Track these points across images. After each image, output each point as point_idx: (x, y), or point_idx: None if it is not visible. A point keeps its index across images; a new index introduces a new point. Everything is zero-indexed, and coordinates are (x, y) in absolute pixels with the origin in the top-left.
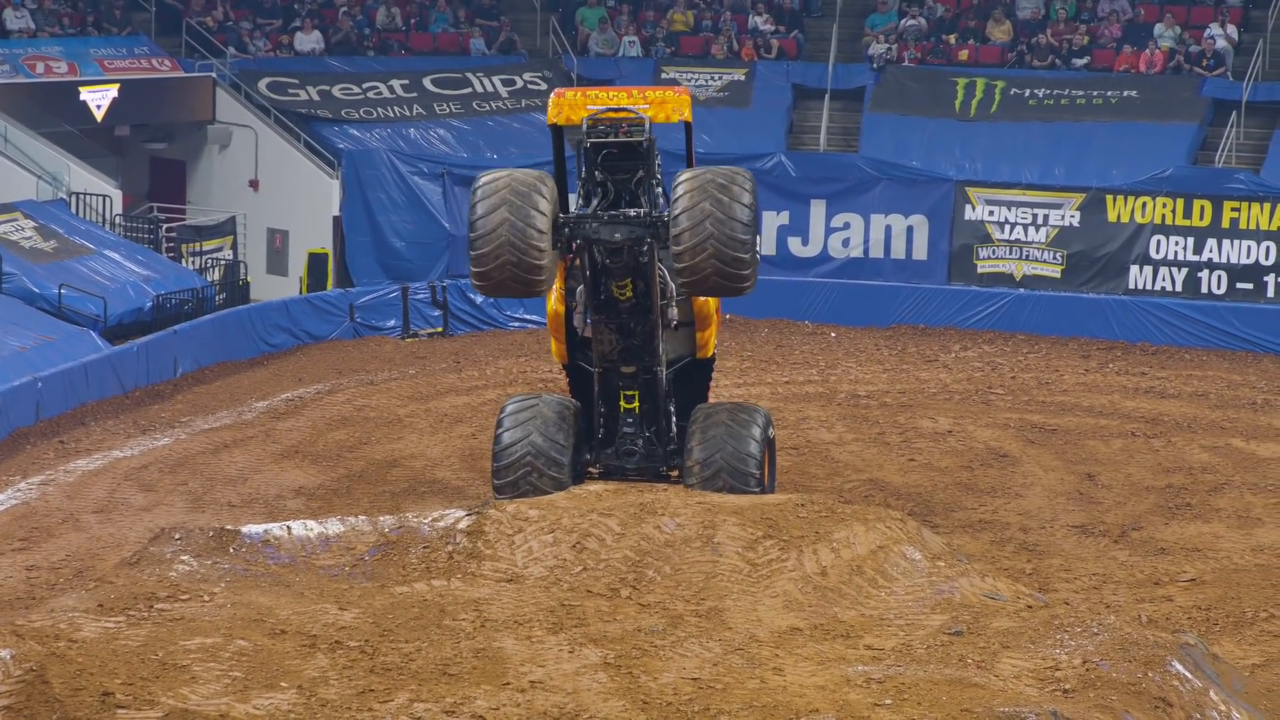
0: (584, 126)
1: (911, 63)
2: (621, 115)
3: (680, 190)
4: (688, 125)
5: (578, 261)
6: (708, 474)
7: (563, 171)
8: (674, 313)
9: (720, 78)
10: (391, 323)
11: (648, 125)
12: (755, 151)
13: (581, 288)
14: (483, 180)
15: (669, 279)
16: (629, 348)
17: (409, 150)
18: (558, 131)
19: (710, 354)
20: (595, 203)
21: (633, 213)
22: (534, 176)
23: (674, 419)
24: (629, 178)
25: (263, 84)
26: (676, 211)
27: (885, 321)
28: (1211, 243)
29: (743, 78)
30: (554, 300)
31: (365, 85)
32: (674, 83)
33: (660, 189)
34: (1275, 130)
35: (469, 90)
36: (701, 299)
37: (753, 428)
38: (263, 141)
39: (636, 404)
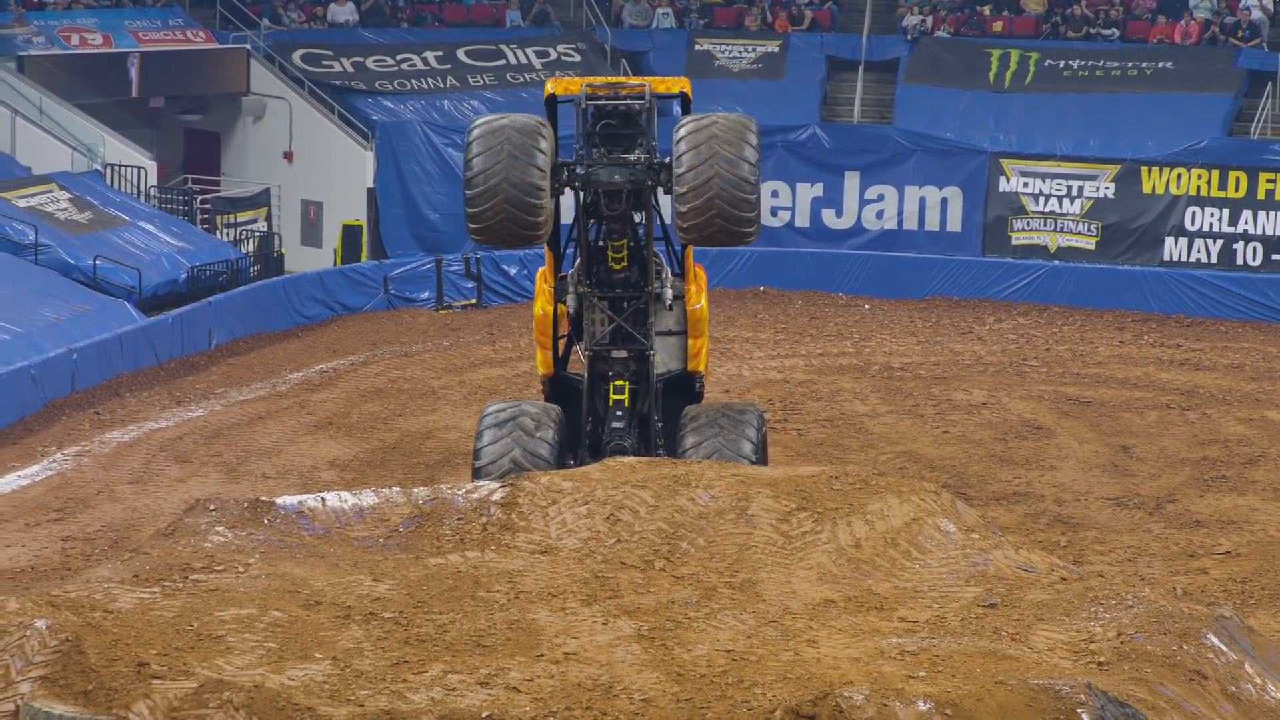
0: (583, 92)
1: (946, 34)
2: (619, 81)
3: (683, 134)
4: (686, 96)
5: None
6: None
7: (555, 144)
8: (669, 294)
9: (754, 49)
10: (425, 294)
11: (648, 92)
12: (789, 123)
13: (569, 276)
14: (479, 125)
15: (664, 262)
16: (620, 329)
17: (443, 122)
18: (552, 104)
19: (702, 368)
20: (593, 144)
21: (631, 157)
22: (533, 121)
23: (661, 426)
24: (626, 150)
25: (297, 55)
26: (679, 155)
27: (919, 294)
28: (1247, 214)
29: (777, 49)
30: (541, 302)
31: (399, 57)
32: (707, 56)
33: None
34: None
35: (503, 62)
36: (694, 306)
37: (746, 427)
38: (297, 113)
39: (626, 395)
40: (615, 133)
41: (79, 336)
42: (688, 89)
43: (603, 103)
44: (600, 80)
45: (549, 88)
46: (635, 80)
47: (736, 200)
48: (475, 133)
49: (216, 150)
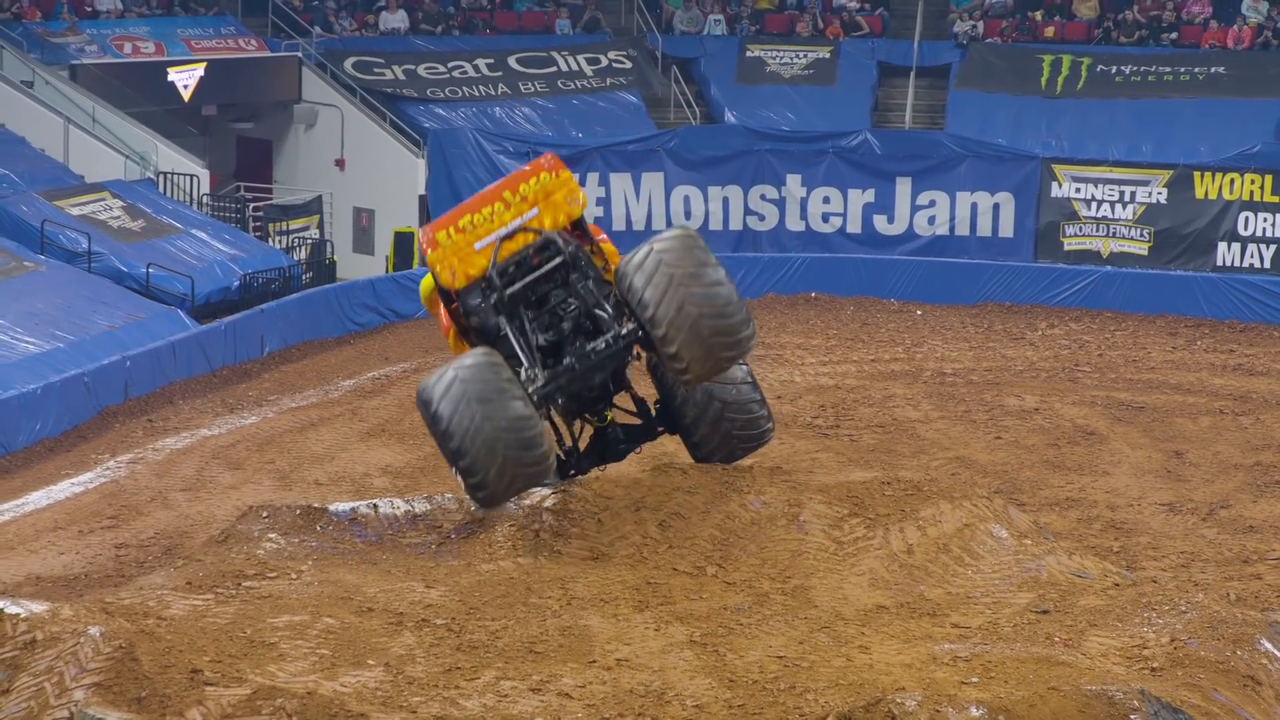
0: (493, 277)
1: (997, 39)
2: (524, 240)
3: (631, 278)
4: (581, 220)
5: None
6: (712, 440)
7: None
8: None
9: (805, 55)
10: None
11: (561, 243)
12: (840, 129)
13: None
14: (427, 391)
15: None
16: (597, 395)
17: (494, 129)
18: (448, 294)
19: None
20: (535, 339)
21: (602, 345)
22: (482, 364)
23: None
24: (553, 285)
25: (348, 63)
26: (638, 300)
27: (971, 299)
28: None
29: (828, 55)
30: (453, 337)
31: (450, 64)
32: (758, 62)
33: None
34: None
35: (554, 69)
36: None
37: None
38: (348, 121)
39: (611, 415)
40: (542, 293)
41: (132, 344)
42: (580, 196)
43: (521, 286)
44: (483, 229)
45: (444, 279)
46: (521, 211)
47: (721, 310)
48: (432, 403)
49: (268, 158)
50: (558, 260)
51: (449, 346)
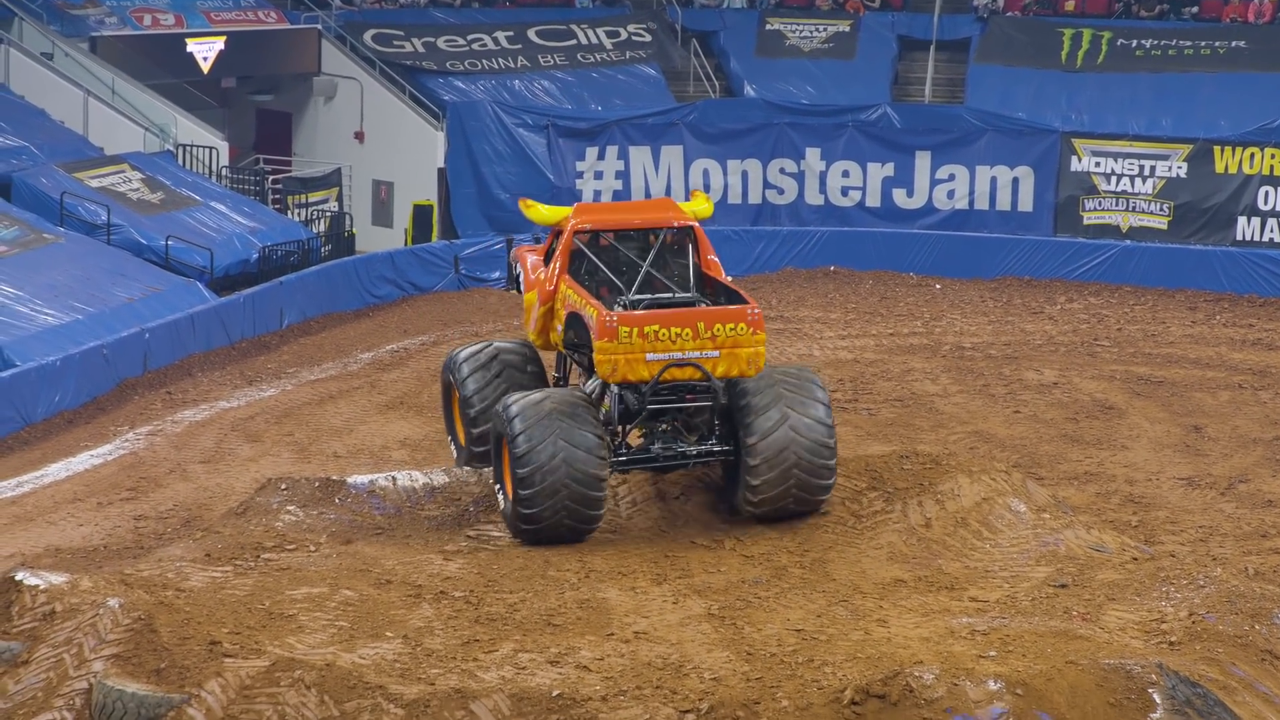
0: (644, 393)
1: (1017, 13)
2: (690, 373)
3: (748, 398)
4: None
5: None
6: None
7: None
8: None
9: (825, 29)
10: (496, 274)
11: (720, 391)
12: (860, 103)
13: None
14: (522, 453)
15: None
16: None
17: (513, 102)
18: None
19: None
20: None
21: (693, 452)
22: (586, 444)
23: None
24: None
25: (368, 36)
26: (749, 421)
27: (990, 273)
28: None
29: (848, 29)
30: (534, 314)
31: (470, 37)
32: (778, 35)
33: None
34: None
35: (573, 42)
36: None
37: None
38: (368, 93)
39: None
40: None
41: (151, 316)
42: (760, 354)
43: (662, 407)
44: (665, 345)
45: (604, 370)
46: (704, 347)
47: (816, 468)
48: (527, 470)
49: (288, 130)
50: (706, 404)
51: (525, 303)
